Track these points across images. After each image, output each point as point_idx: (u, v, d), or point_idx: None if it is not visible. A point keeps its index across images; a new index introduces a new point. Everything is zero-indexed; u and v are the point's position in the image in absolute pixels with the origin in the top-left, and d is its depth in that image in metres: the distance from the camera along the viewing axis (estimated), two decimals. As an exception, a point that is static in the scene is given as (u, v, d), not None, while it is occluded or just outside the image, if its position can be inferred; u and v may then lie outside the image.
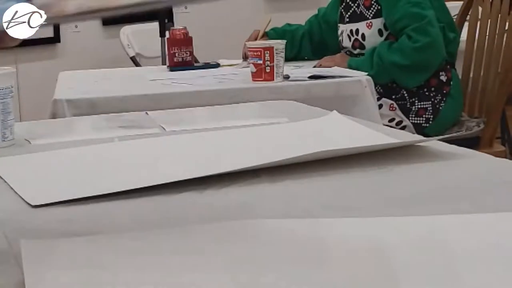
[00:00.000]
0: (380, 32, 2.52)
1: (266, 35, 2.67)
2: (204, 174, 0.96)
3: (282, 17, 2.93)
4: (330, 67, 2.36)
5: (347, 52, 2.62)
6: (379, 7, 2.50)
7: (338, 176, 0.98)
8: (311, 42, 2.76)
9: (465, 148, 1.08)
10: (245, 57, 2.52)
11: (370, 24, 2.52)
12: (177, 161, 1.10)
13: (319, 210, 0.86)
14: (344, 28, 2.63)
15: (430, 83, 2.53)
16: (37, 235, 0.77)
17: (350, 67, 2.42)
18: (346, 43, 2.61)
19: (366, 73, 2.20)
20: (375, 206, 0.86)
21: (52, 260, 0.71)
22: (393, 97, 2.53)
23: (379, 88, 2.54)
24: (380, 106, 2.49)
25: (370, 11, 2.52)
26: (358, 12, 2.56)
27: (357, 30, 2.56)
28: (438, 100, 2.52)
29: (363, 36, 2.55)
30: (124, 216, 0.87)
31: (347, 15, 2.61)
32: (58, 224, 0.83)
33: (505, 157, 1.02)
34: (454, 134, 1.19)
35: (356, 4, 2.58)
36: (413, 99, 2.52)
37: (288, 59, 2.63)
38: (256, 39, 2.62)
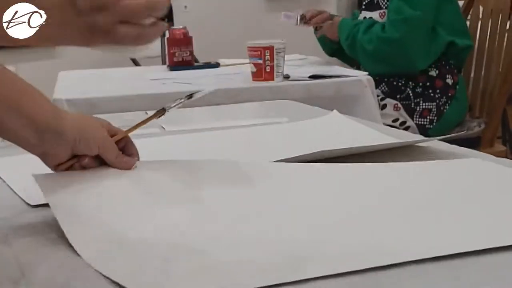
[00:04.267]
0: None
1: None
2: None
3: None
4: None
5: None
6: None
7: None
8: None
9: (465, 148, 1.08)
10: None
11: (383, 13, 2.53)
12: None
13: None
14: (361, 17, 2.65)
15: (436, 84, 2.53)
16: (37, 235, 0.76)
17: (338, 30, 2.56)
18: None
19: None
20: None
21: (66, 184, 0.81)
22: (398, 96, 2.53)
23: (385, 87, 2.54)
24: (384, 106, 2.49)
25: (385, 1, 2.53)
26: (375, 1, 2.57)
27: (370, 18, 2.57)
28: (443, 102, 2.52)
29: None
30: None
31: (364, 3, 2.63)
32: (58, 223, 0.82)
33: (506, 157, 1.01)
34: (455, 134, 1.18)
35: None
36: (418, 99, 2.52)
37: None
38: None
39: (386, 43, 2.42)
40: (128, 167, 0.86)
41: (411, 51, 2.44)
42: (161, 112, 0.92)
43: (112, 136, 0.88)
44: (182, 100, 0.91)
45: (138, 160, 0.89)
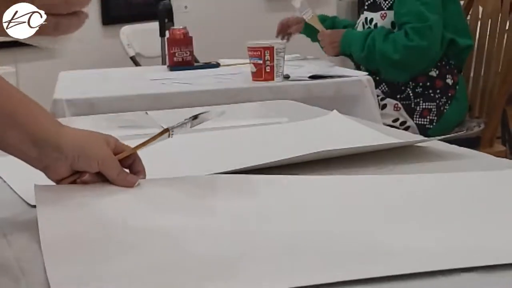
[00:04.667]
0: (392, 25, 2.52)
1: None
2: (203, 174, 0.96)
3: (282, 17, 2.93)
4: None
5: None
6: None
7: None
8: None
9: (465, 148, 1.08)
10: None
11: (385, 15, 2.53)
12: (177, 161, 1.10)
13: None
14: (362, 17, 2.65)
15: (436, 84, 2.53)
16: (37, 235, 0.76)
17: (344, 40, 2.52)
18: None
19: (356, 55, 2.28)
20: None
21: (61, 197, 0.81)
22: (398, 96, 2.54)
23: (385, 87, 2.54)
24: (384, 106, 2.50)
25: (387, 2, 2.53)
26: (378, 2, 2.57)
27: (371, 19, 2.57)
28: (443, 102, 2.52)
29: (375, 26, 2.55)
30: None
31: (366, 3, 2.63)
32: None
33: (506, 157, 1.02)
34: (455, 134, 1.18)
35: None
36: (418, 99, 2.52)
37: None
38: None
39: (414, 52, 2.42)
40: (130, 185, 0.85)
41: (434, 56, 2.46)
42: (166, 132, 0.91)
43: (119, 153, 0.87)
44: (187, 122, 0.91)
45: (144, 178, 0.88)
